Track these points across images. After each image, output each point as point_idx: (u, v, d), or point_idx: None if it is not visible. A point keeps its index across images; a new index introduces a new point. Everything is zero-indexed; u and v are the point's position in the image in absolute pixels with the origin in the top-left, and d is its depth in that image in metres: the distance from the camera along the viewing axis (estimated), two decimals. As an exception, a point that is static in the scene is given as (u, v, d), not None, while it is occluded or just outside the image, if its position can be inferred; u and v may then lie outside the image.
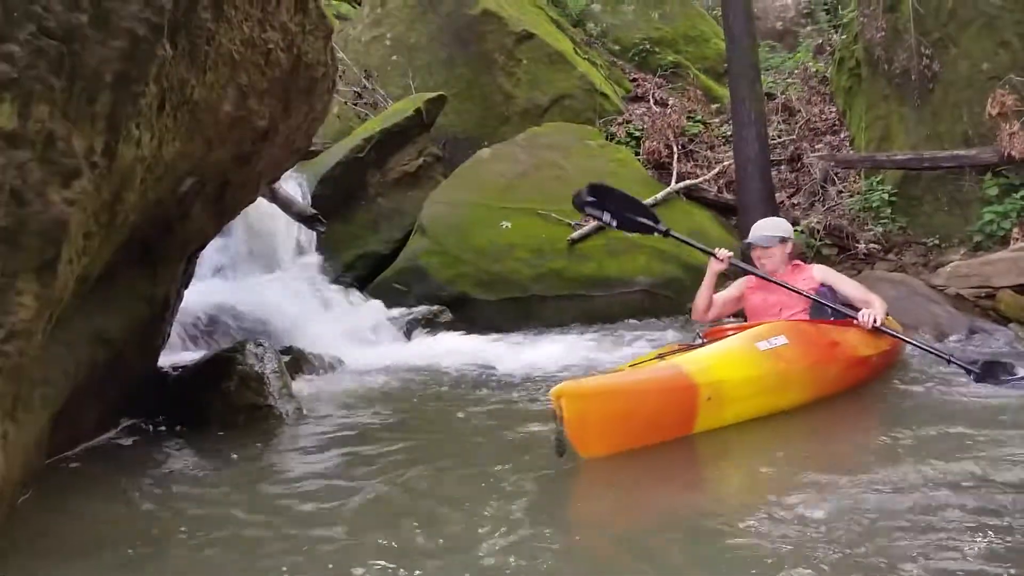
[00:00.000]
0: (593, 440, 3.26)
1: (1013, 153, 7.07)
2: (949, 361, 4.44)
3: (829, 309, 4.53)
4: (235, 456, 3.68)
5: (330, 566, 2.40)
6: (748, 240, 4.95)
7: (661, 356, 4.10)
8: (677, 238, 4.86)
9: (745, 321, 4.88)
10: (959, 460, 3.13)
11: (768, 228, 4.90)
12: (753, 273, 4.84)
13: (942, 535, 2.44)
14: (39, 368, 2.70)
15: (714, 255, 4.69)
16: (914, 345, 4.73)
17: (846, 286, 4.81)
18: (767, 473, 3.34)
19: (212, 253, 6.04)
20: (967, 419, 3.75)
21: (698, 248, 4.90)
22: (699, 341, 4.28)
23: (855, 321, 4.50)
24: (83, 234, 2.46)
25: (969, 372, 4.35)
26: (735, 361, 3.82)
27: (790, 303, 4.66)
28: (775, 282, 4.67)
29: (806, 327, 4.31)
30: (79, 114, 2.29)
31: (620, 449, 3.32)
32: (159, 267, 3.78)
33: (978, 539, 2.40)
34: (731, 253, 4.76)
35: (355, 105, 10.65)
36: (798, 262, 5.04)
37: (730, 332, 4.31)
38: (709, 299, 4.85)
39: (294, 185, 7.91)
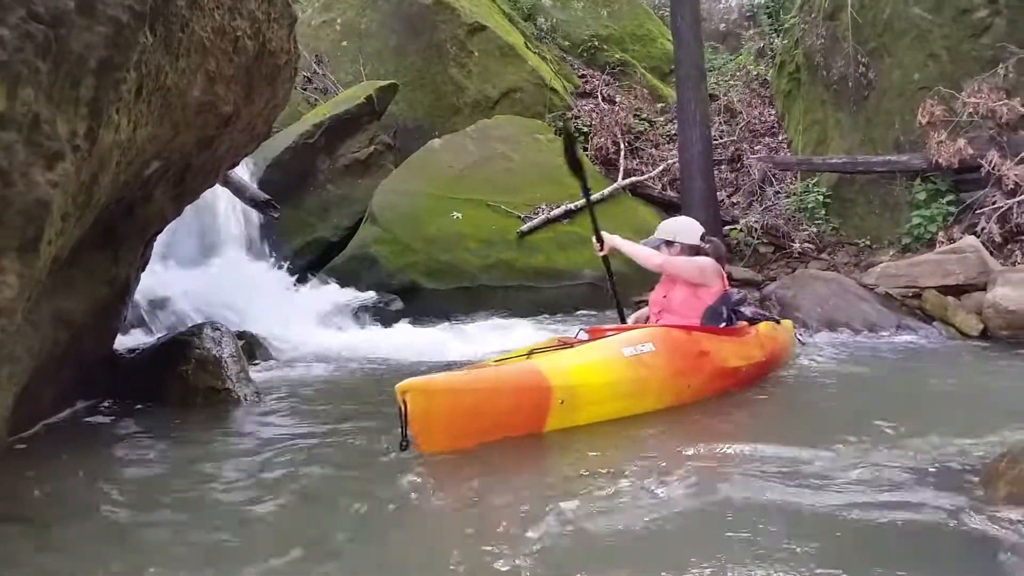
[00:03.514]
0: (436, 436, 3.24)
1: (940, 161, 7.47)
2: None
3: (724, 312, 4.53)
4: (191, 438, 3.69)
5: (273, 549, 2.42)
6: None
7: (532, 352, 4.10)
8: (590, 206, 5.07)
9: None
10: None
11: (659, 230, 4.74)
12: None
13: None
14: (8, 345, 2.71)
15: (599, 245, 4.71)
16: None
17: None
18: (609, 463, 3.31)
19: (163, 237, 5.96)
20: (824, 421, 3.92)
21: (594, 227, 4.85)
22: (581, 336, 4.36)
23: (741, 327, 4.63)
24: (61, 215, 2.49)
25: None
26: (595, 366, 3.81)
27: (669, 299, 4.59)
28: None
29: (678, 335, 4.22)
30: (63, 98, 2.33)
31: (464, 445, 3.29)
32: (120, 249, 3.79)
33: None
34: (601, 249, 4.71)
35: (304, 90, 10.60)
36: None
37: (610, 332, 4.36)
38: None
39: (243, 169, 7.86)
